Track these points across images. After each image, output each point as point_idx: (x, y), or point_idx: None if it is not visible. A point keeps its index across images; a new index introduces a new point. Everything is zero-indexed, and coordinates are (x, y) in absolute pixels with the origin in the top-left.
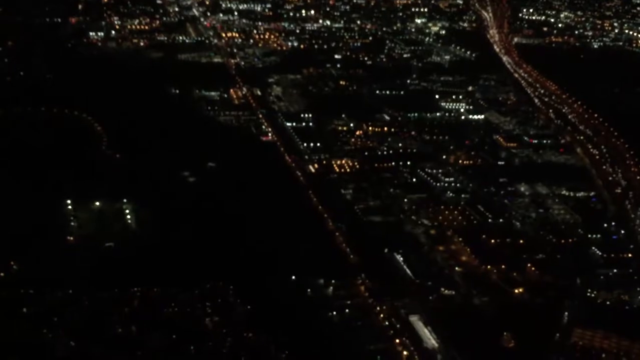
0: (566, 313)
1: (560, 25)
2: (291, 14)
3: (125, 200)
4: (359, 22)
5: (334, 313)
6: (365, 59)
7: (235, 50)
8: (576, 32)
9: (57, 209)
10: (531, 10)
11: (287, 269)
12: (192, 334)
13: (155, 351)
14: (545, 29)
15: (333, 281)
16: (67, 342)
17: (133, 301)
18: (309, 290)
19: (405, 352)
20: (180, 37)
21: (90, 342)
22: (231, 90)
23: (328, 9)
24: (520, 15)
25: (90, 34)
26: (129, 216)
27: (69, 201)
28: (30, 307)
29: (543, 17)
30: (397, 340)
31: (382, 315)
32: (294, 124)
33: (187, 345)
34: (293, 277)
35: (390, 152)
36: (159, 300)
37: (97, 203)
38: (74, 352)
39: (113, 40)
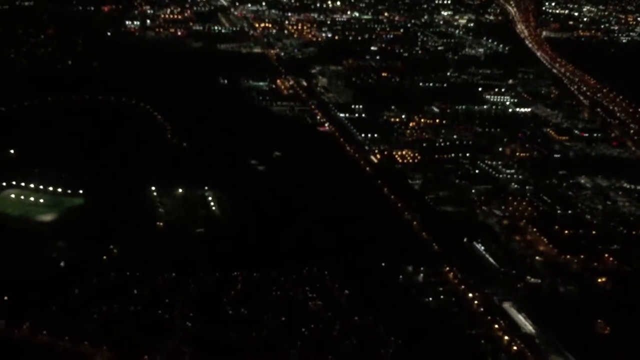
0: None
1: (585, 19)
2: (318, 4)
3: (206, 188)
4: (386, 13)
5: (430, 299)
6: (401, 51)
7: (272, 41)
8: (602, 26)
9: (143, 196)
10: (553, 4)
11: (374, 256)
12: (300, 317)
13: (268, 333)
14: (571, 22)
15: (422, 268)
16: (184, 322)
17: (236, 285)
18: (400, 276)
19: (506, 337)
20: (216, 27)
21: (205, 324)
22: (278, 81)
23: (352, 1)
24: (544, 8)
25: (127, 22)
26: (212, 203)
27: (153, 188)
28: (139, 289)
29: (566, 11)
30: (496, 326)
31: (476, 302)
32: (347, 114)
33: (298, 327)
34: (383, 264)
35: (448, 143)
36: (261, 284)
37: (180, 190)
38: (192, 333)
39: (151, 30)
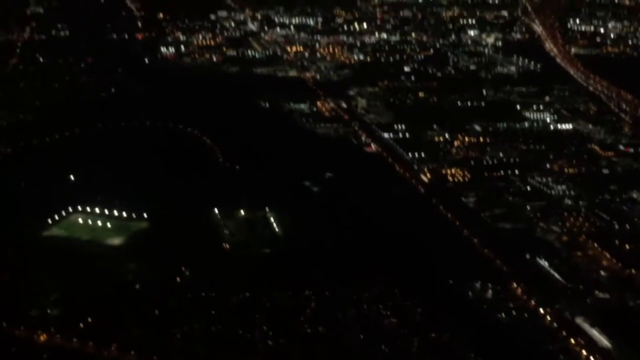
0: None
1: (612, 35)
2: (345, 27)
3: (267, 209)
4: (413, 34)
5: (502, 315)
6: (434, 71)
7: (306, 64)
8: (630, 42)
9: (207, 219)
10: (578, 21)
11: (440, 273)
12: (377, 335)
13: (348, 350)
14: (598, 39)
15: (490, 284)
16: (265, 341)
17: (310, 303)
18: (470, 293)
19: (584, 352)
20: (249, 52)
21: (286, 341)
22: (318, 103)
23: (378, 23)
24: (569, 26)
25: (162, 49)
26: (274, 224)
27: (216, 211)
28: (217, 309)
29: (592, 28)
30: (573, 341)
31: (548, 317)
32: (391, 134)
33: (378, 345)
34: (450, 281)
35: (495, 161)
36: (334, 302)
37: (242, 212)
38: (274, 351)
39: (186, 56)
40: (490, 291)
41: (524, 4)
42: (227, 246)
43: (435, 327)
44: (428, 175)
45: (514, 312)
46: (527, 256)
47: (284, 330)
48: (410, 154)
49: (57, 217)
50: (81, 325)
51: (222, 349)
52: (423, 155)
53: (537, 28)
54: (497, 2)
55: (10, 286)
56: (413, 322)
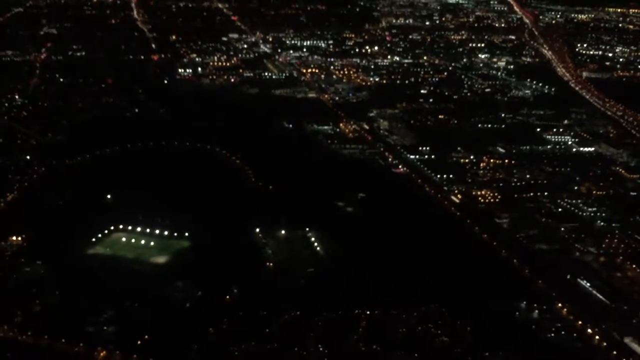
0: None
1: (621, 59)
2: (357, 49)
3: (307, 229)
4: (425, 57)
5: (552, 335)
6: (450, 93)
7: (324, 86)
8: (639, 66)
9: (249, 238)
10: (585, 45)
11: (483, 293)
12: (431, 353)
13: None
14: (607, 63)
15: (535, 305)
16: (323, 358)
17: (360, 322)
18: (517, 313)
19: None
20: (266, 73)
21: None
22: (341, 124)
23: (389, 45)
24: (577, 50)
25: (180, 70)
26: (315, 243)
27: (257, 230)
28: (269, 327)
29: (600, 52)
30: None
31: (597, 337)
32: (417, 156)
33: None
34: (495, 300)
35: (523, 183)
36: (385, 321)
37: (283, 231)
38: None
39: (205, 77)
40: (536, 311)
41: (529, 28)
42: (271, 265)
43: (488, 346)
44: (459, 196)
45: (562, 332)
46: (568, 277)
47: (339, 348)
48: (438, 176)
49: (99, 236)
50: (139, 342)
51: None
52: (451, 176)
53: (546, 52)
54: (503, 26)
55: (62, 304)
56: (465, 341)
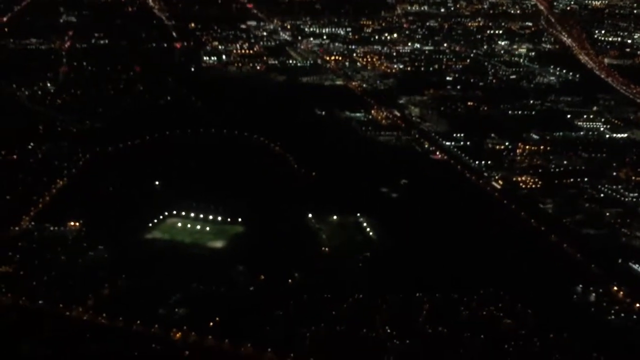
0: None
1: None
2: (376, 37)
3: (359, 214)
4: (445, 44)
5: (612, 317)
6: (476, 80)
7: (350, 73)
8: None
9: (302, 223)
10: (603, 32)
11: (538, 277)
12: (497, 334)
13: (473, 349)
14: (627, 50)
15: (591, 288)
16: (392, 340)
17: (424, 304)
18: (574, 296)
19: None
20: (291, 61)
21: (411, 342)
22: (373, 112)
23: (407, 32)
24: (595, 36)
25: (204, 58)
26: (368, 228)
27: (310, 215)
28: (335, 310)
29: (618, 39)
30: None
31: None
32: (452, 143)
33: (502, 344)
34: (552, 284)
35: (561, 169)
36: (447, 304)
37: (335, 217)
38: (405, 350)
39: (231, 65)
40: (593, 294)
41: (545, 15)
42: (327, 250)
43: (552, 328)
44: (500, 182)
45: (622, 315)
46: (619, 261)
47: (407, 330)
48: (476, 162)
49: (155, 221)
50: (211, 324)
51: (353, 347)
52: (489, 162)
53: (565, 39)
54: (518, 12)
55: (131, 287)
56: (529, 324)
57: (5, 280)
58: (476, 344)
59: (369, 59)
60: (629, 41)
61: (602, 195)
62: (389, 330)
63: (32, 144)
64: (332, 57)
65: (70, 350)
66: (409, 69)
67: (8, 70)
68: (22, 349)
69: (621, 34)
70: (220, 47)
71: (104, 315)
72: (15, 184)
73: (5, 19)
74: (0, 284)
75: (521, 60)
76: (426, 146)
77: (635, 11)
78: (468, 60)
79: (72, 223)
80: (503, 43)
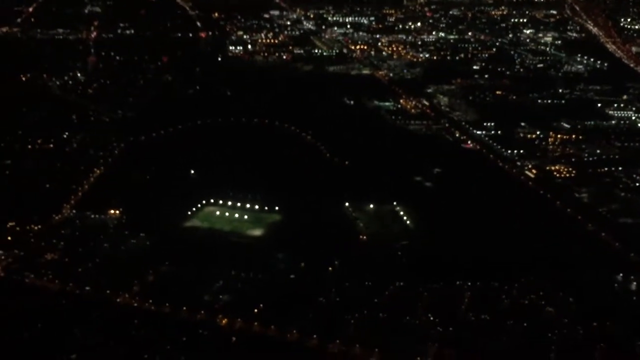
0: None
1: None
2: (400, 26)
3: (395, 203)
4: (469, 33)
5: None
6: (503, 69)
7: (376, 62)
8: None
9: (340, 212)
10: (629, 20)
11: (578, 266)
12: (540, 322)
13: (510, 337)
14: None
15: (632, 277)
16: (436, 327)
17: (465, 292)
18: (615, 285)
19: None
20: (316, 50)
21: (453, 329)
22: (401, 101)
23: (430, 21)
24: (621, 24)
25: (231, 48)
26: (405, 217)
27: (347, 204)
28: (377, 297)
29: None
30: None
31: None
32: (483, 132)
33: (542, 332)
34: (592, 273)
35: (595, 158)
36: (489, 292)
37: (371, 206)
38: (442, 337)
39: (257, 54)
40: (634, 283)
41: (570, 3)
42: (365, 238)
43: (595, 316)
44: (533, 171)
45: None
46: None
47: (449, 317)
48: (508, 151)
49: (194, 209)
50: (255, 310)
51: (397, 334)
52: (522, 151)
53: (591, 27)
54: (542, 0)
55: (174, 274)
56: (571, 312)
57: (52, 267)
58: (519, 331)
59: (394, 48)
60: None
61: (637, 184)
62: (431, 318)
63: (67, 133)
64: (358, 47)
65: (119, 336)
66: (435, 58)
67: (38, 60)
68: (73, 334)
69: None
70: (245, 36)
71: (150, 302)
72: (53, 173)
73: (30, 9)
74: (47, 270)
75: (547, 48)
76: (457, 135)
77: None
78: (494, 49)
79: (112, 211)
80: (528, 32)
